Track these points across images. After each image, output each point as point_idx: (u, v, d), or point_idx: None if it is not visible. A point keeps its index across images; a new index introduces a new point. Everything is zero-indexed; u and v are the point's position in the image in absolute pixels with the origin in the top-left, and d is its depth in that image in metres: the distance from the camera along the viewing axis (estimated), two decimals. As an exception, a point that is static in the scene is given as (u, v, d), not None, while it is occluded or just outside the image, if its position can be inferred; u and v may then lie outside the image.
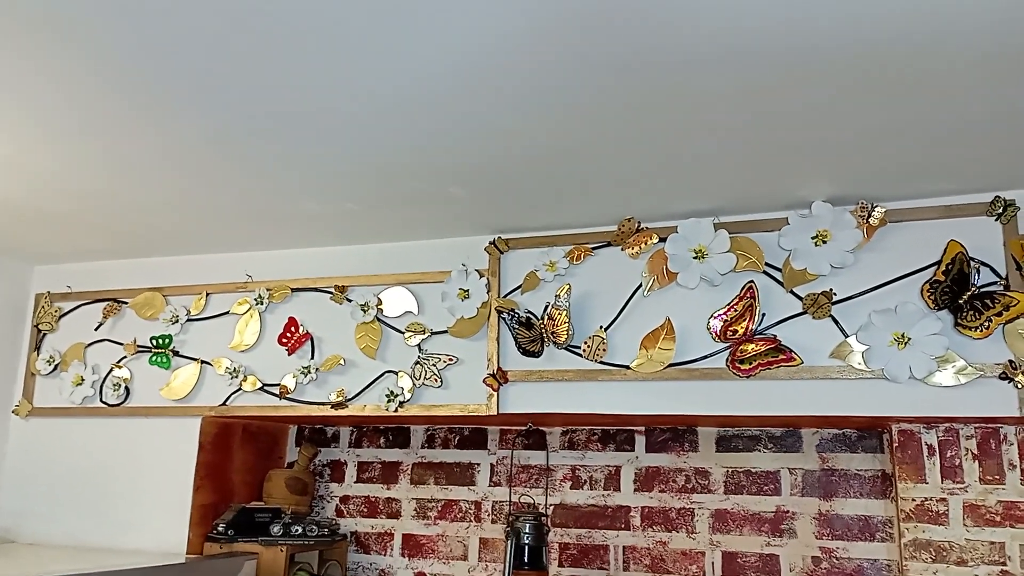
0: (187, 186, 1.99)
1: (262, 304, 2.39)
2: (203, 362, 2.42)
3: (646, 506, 2.31)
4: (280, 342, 2.35)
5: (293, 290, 2.39)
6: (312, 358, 2.31)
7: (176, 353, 2.46)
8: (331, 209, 2.11)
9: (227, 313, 2.44)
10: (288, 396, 2.30)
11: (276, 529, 2.31)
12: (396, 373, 2.22)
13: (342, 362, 2.28)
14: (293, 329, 2.34)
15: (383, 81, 1.45)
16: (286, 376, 2.31)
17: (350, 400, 2.25)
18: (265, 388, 2.34)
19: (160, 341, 2.47)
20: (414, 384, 2.19)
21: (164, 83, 1.48)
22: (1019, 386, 1.71)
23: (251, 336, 2.38)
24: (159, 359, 2.46)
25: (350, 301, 2.31)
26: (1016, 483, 1.82)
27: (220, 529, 2.33)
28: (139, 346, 2.50)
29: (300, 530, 2.33)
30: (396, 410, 2.18)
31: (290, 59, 1.38)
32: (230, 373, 2.36)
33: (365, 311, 2.27)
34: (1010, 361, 1.72)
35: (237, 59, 1.39)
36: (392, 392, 2.19)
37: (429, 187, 1.95)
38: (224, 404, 2.37)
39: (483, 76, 1.43)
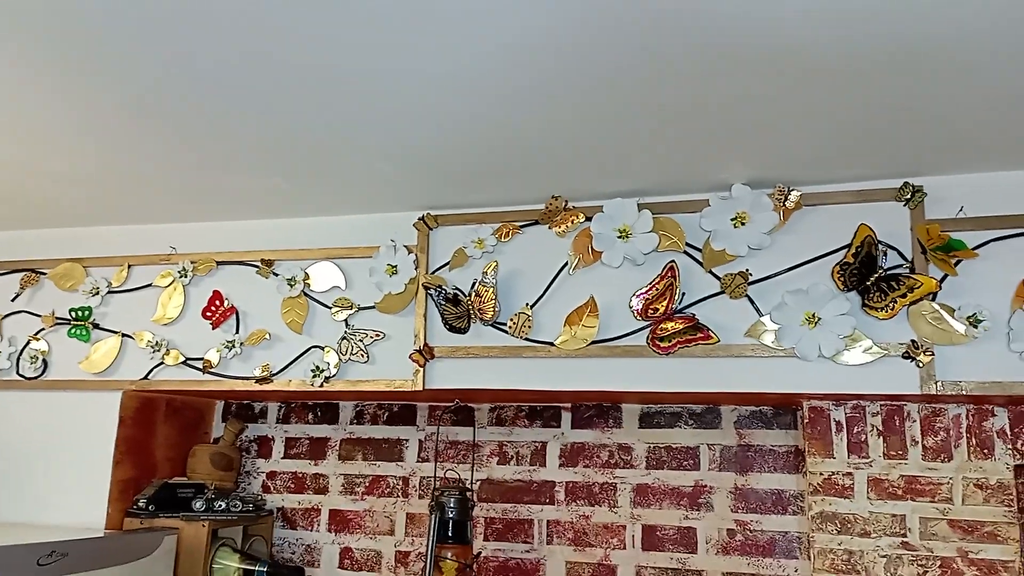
0: (104, 156, 1.94)
1: (186, 277, 2.35)
2: (124, 335, 2.37)
3: (570, 481, 2.35)
4: (204, 316, 2.32)
5: (218, 263, 2.35)
6: (237, 332, 2.28)
7: (96, 326, 2.40)
8: (258, 182, 2.08)
9: (150, 286, 2.40)
10: (212, 371, 2.27)
11: (199, 504, 2.29)
12: (322, 348, 2.21)
13: (267, 337, 2.26)
14: (218, 303, 2.31)
15: (309, 54, 1.43)
16: (210, 350, 2.28)
17: (275, 375, 2.23)
18: (188, 362, 2.30)
19: (80, 313, 2.41)
20: (340, 359, 2.18)
21: (76, 48, 1.44)
22: (920, 365, 1.79)
23: (174, 309, 2.34)
24: (78, 332, 2.40)
25: (276, 275, 2.28)
26: (918, 458, 1.90)
27: (140, 504, 2.30)
28: (58, 318, 2.43)
29: (223, 505, 2.31)
30: (322, 385, 2.17)
31: (211, 26, 1.35)
32: (152, 347, 2.31)
33: (292, 285, 2.25)
34: (912, 341, 1.80)
35: (155, 24, 1.35)
36: (318, 367, 2.18)
37: (357, 163, 1.94)
38: (145, 378, 2.32)
39: (409, 54, 1.42)
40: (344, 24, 1.34)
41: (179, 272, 2.36)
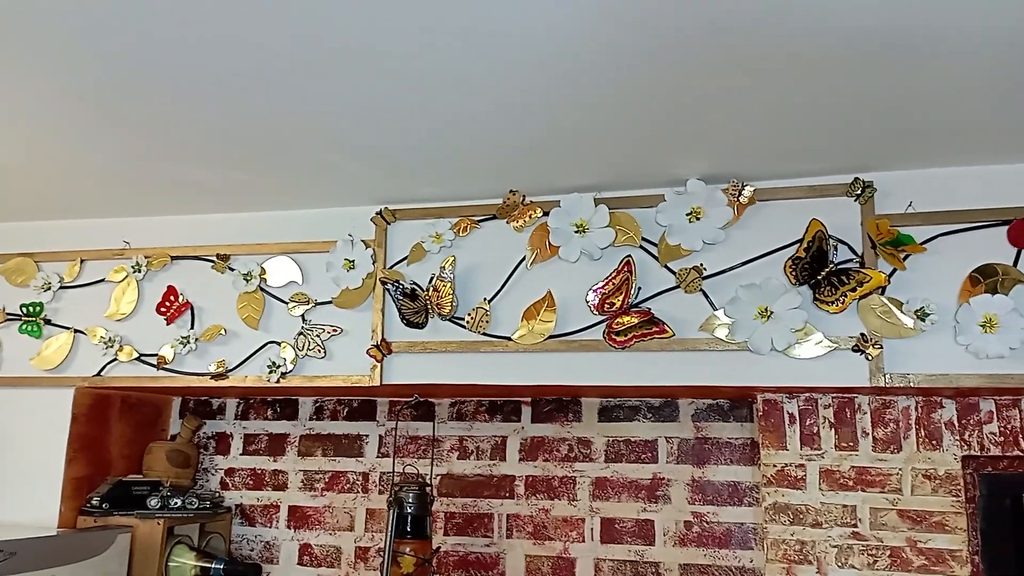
0: (54, 147, 1.90)
1: (140, 272, 2.32)
2: (77, 331, 2.34)
3: (530, 475, 2.35)
4: (158, 311, 2.29)
5: (173, 258, 2.32)
6: (192, 328, 2.26)
7: (48, 321, 2.36)
8: (212, 175, 2.06)
9: (103, 281, 2.36)
10: (166, 367, 2.24)
11: (154, 502, 2.26)
12: (279, 344, 2.19)
13: (223, 332, 2.23)
14: (172, 298, 2.28)
15: (261, 41, 1.41)
16: (164, 346, 2.25)
17: (231, 371, 2.21)
18: (142, 358, 2.27)
19: (31, 309, 2.37)
20: (297, 355, 2.17)
21: (21, 34, 1.40)
22: (870, 358, 1.81)
23: (128, 305, 2.31)
24: (30, 328, 2.36)
25: (232, 270, 2.26)
26: (868, 450, 1.93)
27: (94, 502, 2.27)
28: (8, 314, 2.39)
29: (179, 503, 2.29)
30: (278, 381, 2.15)
31: (162, 11, 1.33)
32: (105, 343, 2.28)
33: (248, 280, 2.23)
34: (862, 334, 1.82)
35: (104, 8, 1.32)
36: (274, 363, 2.16)
37: (313, 155, 1.92)
38: (98, 375, 2.29)
39: (364, 45, 1.41)
40: (297, 12, 1.32)
41: (133, 267, 2.32)
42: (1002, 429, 1.86)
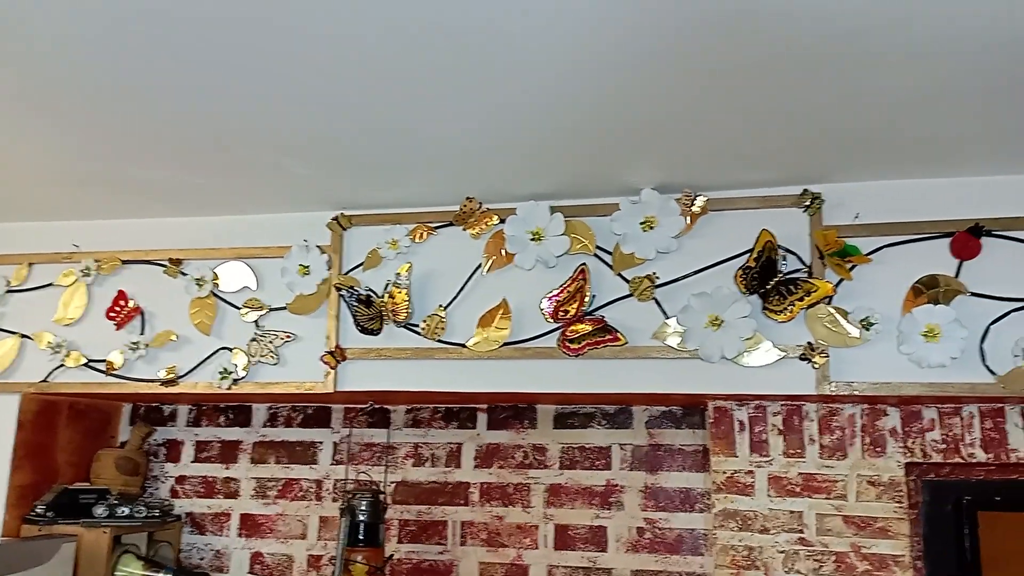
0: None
1: (89, 276, 2.28)
2: (23, 336, 2.29)
3: (485, 482, 2.35)
4: (108, 316, 2.25)
5: (123, 262, 2.29)
6: (142, 333, 2.22)
7: (-7, 326, 2.31)
8: (164, 178, 2.03)
9: (51, 285, 2.31)
10: (115, 373, 2.20)
11: (100, 510, 2.22)
12: (231, 350, 2.16)
13: (174, 338, 2.20)
14: (122, 303, 2.24)
15: (209, 40, 1.40)
16: (113, 352, 2.21)
17: (181, 377, 2.18)
18: (90, 364, 2.23)
19: (-25, 313, 2.31)
20: (249, 361, 2.14)
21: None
22: (816, 366, 1.85)
23: (76, 310, 2.27)
24: (-26, 332, 2.30)
25: (185, 275, 2.23)
26: (815, 456, 1.96)
27: (39, 511, 2.22)
28: (-48, 318, 2.33)
29: (127, 511, 2.25)
30: (230, 388, 2.13)
31: (105, 8, 1.30)
32: (52, 348, 2.23)
33: (200, 286, 2.20)
34: (809, 343, 1.86)
35: (49, 9, 1.30)
36: (226, 369, 2.14)
37: (266, 159, 1.91)
38: (45, 380, 2.24)
39: (317, 46, 1.41)
40: (246, 13, 1.31)
41: (82, 271, 2.28)
42: (944, 437, 1.91)
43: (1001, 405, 1.89)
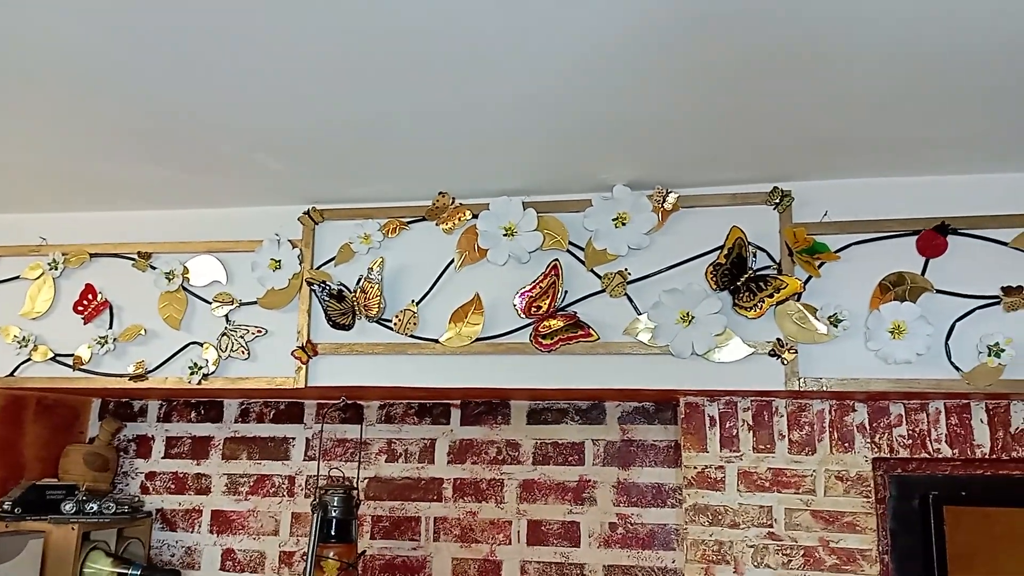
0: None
1: (57, 269, 2.24)
2: (-11, 330, 2.26)
3: (458, 478, 2.35)
4: (76, 310, 2.22)
5: (91, 255, 2.26)
6: (110, 328, 2.20)
7: (-42, 320, 2.28)
8: (133, 170, 2.00)
9: (17, 278, 2.28)
10: (82, 367, 2.18)
11: (68, 507, 2.20)
12: (201, 345, 2.14)
13: (143, 332, 2.18)
14: (90, 297, 2.21)
15: (179, 31, 1.38)
16: (81, 346, 2.18)
17: (150, 372, 2.16)
18: (57, 359, 2.20)
19: (-60, 307, 2.28)
20: (220, 356, 2.12)
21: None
22: (785, 362, 1.86)
23: (43, 303, 2.24)
24: (-62, 326, 2.27)
25: (154, 268, 2.21)
26: (784, 452, 1.98)
27: (5, 507, 2.19)
28: (-85, 312, 2.29)
29: (96, 507, 2.22)
30: (199, 383, 2.11)
31: (77, 3, 1.29)
32: (19, 342, 2.20)
33: (170, 279, 2.18)
34: (778, 339, 1.87)
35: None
36: (196, 364, 2.12)
37: (237, 152, 1.89)
38: (11, 375, 2.21)
39: (285, 39, 1.39)
40: (215, 3, 1.30)
41: (49, 264, 2.25)
42: (911, 432, 1.93)
43: (967, 401, 1.91)
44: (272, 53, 1.44)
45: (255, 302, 2.15)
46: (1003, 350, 1.75)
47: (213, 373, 2.12)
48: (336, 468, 2.36)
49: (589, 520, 2.25)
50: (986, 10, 1.27)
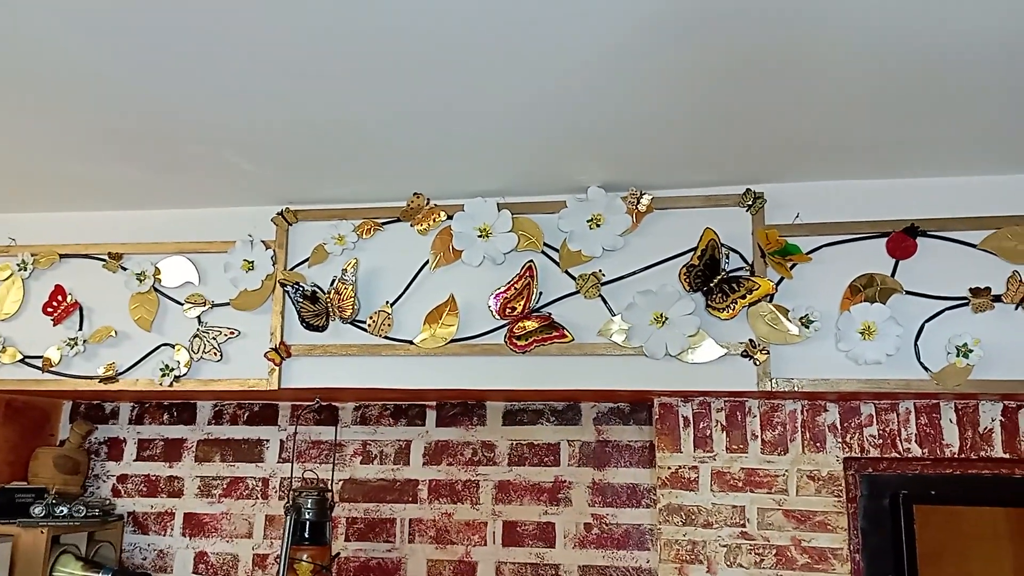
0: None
1: (26, 270, 2.22)
2: (-44, 332, 2.22)
3: (434, 479, 2.34)
4: (45, 312, 2.19)
5: (61, 256, 2.23)
6: (80, 329, 2.17)
7: (-76, 322, 2.24)
8: (103, 170, 1.98)
9: (-15, 279, 2.25)
10: (52, 369, 2.15)
11: (38, 510, 2.17)
12: (173, 346, 2.12)
13: (114, 334, 2.15)
14: (60, 298, 2.19)
15: (147, 29, 1.37)
16: (50, 348, 2.16)
17: (121, 374, 2.13)
18: (26, 360, 2.17)
19: (-95, 308, 2.24)
20: (192, 358, 2.10)
21: None
22: (758, 363, 1.87)
23: (12, 304, 2.21)
24: (-97, 328, 2.23)
25: (125, 269, 2.19)
26: (757, 452, 1.99)
27: (-27, 512, 2.16)
28: None
29: (65, 511, 2.20)
30: (171, 385, 2.09)
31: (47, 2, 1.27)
32: (-13, 344, 2.17)
33: (141, 280, 2.16)
34: (751, 340, 1.88)
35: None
36: (167, 366, 2.10)
37: (208, 152, 1.87)
38: (-21, 378, 2.18)
39: (257, 38, 1.38)
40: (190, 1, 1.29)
41: (18, 265, 2.22)
42: (881, 432, 1.95)
43: (936, 401, 1.93)
44: (244, 52, 1.43)
45: (228, 303, 2.13)
46: (971, 351, 1.78)
47: (185, 375, 2.10)
48: (310, 470, 2.34)
49: (564, 521, 2.25)
50: (955, 16, 1.28)
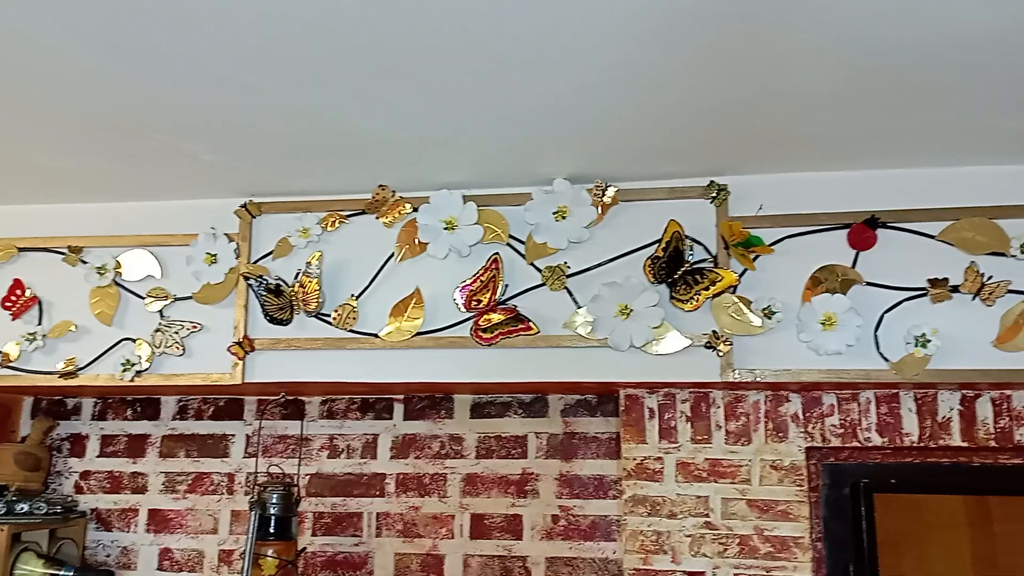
0: None
1: (-17, 264, 2.18)
2: (-89, 327, 2.18)
3: (401, 473, 2.34)
4: (3, 306, 2.16)
5: (20, 249, 2.20)
6: (39, 324, 2.14)
7: None
8: (62, 161, 1.95)
9: (-59, 273, 2.21)
10: (10, 365, 2.11)
11: (-3, 508, 2.14)
12: (134, 341, 2.10)
13: (74, 328, 2.12)
14: (18, 292, 2.15)
15: (108, 16, 1.34)
16: (8, 343, 2.12)
17: (81, 369, 2.10)
18: (-17, 356, 2.14)
19: None
20: (154, 352, 2.08)
21: None
22: (721, 354, 1.89)
23: (-31, 299, 2.17)
24: None
25: (85, 263, 2.16)
26: (721, 442, 2.01)
27: (-70, 510, 2.12)
28: None
29: (26, 508, 2.16)
30: (132, 380, 2.07)
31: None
32: (-57, 339, 2.13)
33: (101, 274, 2.13)
34: (714, 332, 1.89)
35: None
36: (128, 361, 2.07)
37: (170, 144, 1.85)
38: (-65, 373, 2.14)
39: (220, 26, 1.36)
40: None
41: (-25, 259, 2.18)
42: (842, 421, 1.97)
43: (896, 391, 1.96)
44: (205, 40, 1.41)
45: (190, 297, 2.11)
46: (929, 340, 1.80)
47: (147, 370, 2.08)
48: (276, 465, 2.33)
49: (532, 513, 2.26)
50: (916, 14, 1.30)
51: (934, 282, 1.85)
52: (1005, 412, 1.92)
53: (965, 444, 1.92)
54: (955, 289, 1.84)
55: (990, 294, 1.81)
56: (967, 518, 2.02)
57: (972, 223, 1.86)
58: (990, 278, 1.82)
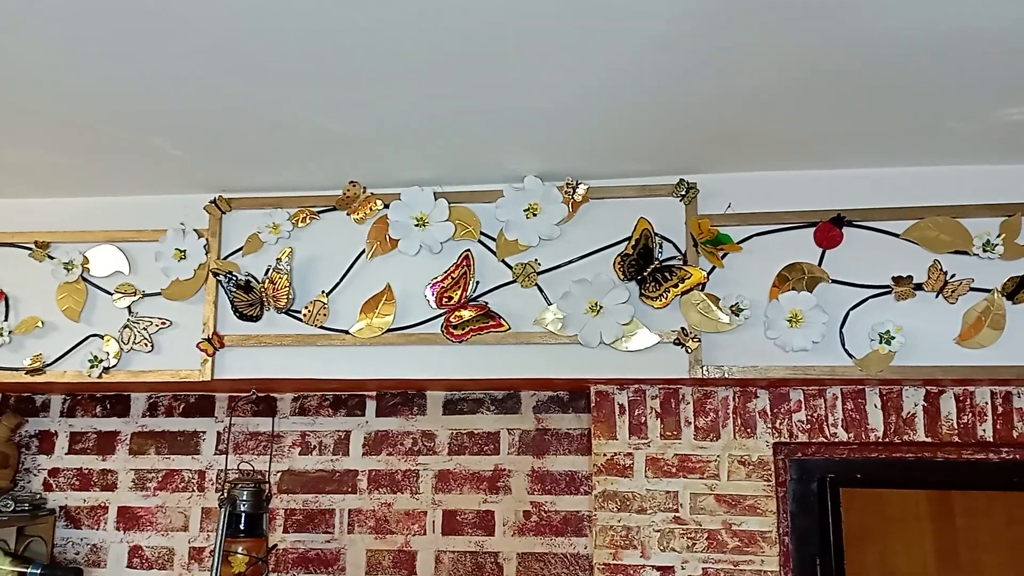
0: None
1: (-53, 260, 2.15)
2: None
3: (373, 469, 2.33)
4: (-32, 302, 2.13)
5: (-15, 245, 2.17)
6: (6, 320, 2.11)
7: None
8: (28, 155, 1.93)
9: (-96, 269, 2.17)
10: (-25, 361, 2.09)
11: (-38, 506, 2.11)
12: (102, 337, 2.08)
13: (40, 324, 2.10)
14: (-16, 288, 2.13)
15: (67, 21, 1.33)
16: (-27, 340, 2.10)
17: (48, 366, 2.08)
18: (-51, 352, 2.11)
19: None
20: (122, 348, 2.06)
21: None
22: (689, 351, 1.90)
23: (-66, 295, 2.14)
24: None
25: (52, 259, 2.13)
26: (690, 438, 2.03)
27: None
28: None
29: (-8, 507, 2.14)
30: (100, 376, 2.05)
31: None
32: (-94, 336, 2.10)
33: (69, 270, 2.10)
34: (683, 328, 1.91)
35: None
36: (96, 357, 2.05)
37: (136, 139, 1.83)
38: (-101, 370, 2.11)
39: (185, 19, 1.35)
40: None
41: (-61, 254, 2.15)
42: (809, 417, 2.00)
43: (861, 387, 1.98)
44: (170, 34, 1.40)
45: (159, 293, 2.09)
46: (893, 337, 1.83)
47: (115, 366, 2.06)
48: (247, 462, 2.32)
49: (504, 509, 2.27)
50: (880, 14, 1.31)
51: (898, 280, 1.87)
52: (968, 408, 1.95)
53: (929, 439, 1.95)
54: (919, 287, 1.87)
55: (953, 292, 1.84)
56: (930, 512, 2.05)
57: (936, 222, 1.88)
58: (953, 276, 1.85)
